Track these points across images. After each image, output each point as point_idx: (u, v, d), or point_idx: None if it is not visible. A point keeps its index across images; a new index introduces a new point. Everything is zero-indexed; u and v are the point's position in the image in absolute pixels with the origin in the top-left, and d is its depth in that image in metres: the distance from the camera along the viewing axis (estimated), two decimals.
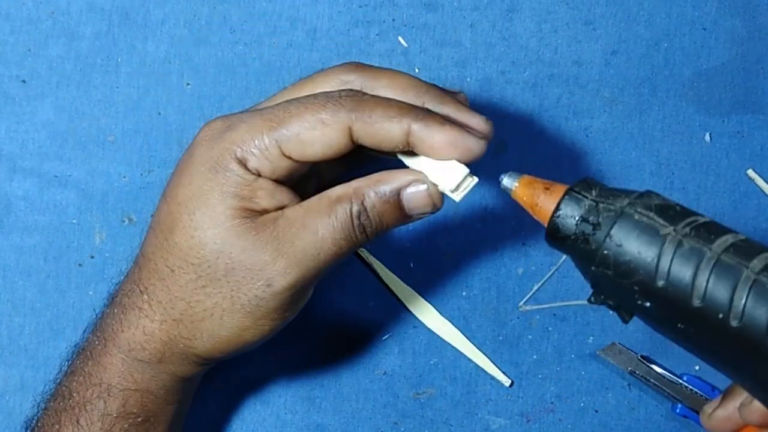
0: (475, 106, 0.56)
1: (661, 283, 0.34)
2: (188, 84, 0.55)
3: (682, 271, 0.34)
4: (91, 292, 0.54)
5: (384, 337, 0.56)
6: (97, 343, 0.45)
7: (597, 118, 0.57)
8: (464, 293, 0.56)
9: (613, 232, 0.35)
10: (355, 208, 0.41)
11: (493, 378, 0.56)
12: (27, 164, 0.54)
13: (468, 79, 0.56)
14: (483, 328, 0.56)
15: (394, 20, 0.56)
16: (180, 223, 0.42)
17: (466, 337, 0.56)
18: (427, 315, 0.55)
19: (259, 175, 0.41)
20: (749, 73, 0.58)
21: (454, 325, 0.56)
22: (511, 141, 0.56)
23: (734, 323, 0.33)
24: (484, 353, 0.56)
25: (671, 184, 0.57)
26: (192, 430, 0.51)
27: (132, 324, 0.44)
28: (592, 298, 0.37)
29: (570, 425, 0.57)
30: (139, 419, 0.45)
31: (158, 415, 0.46)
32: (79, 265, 0.54)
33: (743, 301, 0.32)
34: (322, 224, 0.41)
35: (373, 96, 0.41)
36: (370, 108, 0.40)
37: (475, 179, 0.42)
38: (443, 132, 0.41)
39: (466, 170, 0.41)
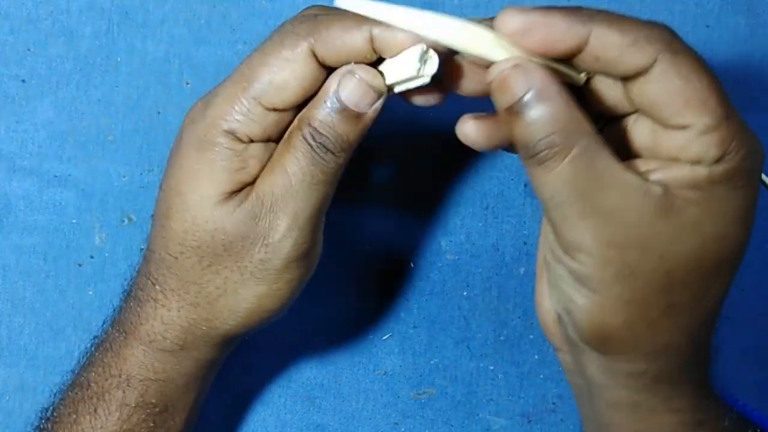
0: (476, 105, 0.56)
1: None
2: (188, 83, 0.54)
3: None
4: (90, 292, 0.54)
5: (384, 337, 0.56)
6: (117, 335, 0.45)
7: None
8: (465, 293, 0.56)
9: None
10: (307, 132, 0.40)
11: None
12: (26, 164, 0.54)
13: None
14: (484, 328, 0.56)
15: None
16: (173, 208, 0.42)
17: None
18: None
19: (251, 141, 0.41)
20: (753, 71, 0.57)
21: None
22: None
23: None
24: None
25: None
26: (192, 430, 0.51)
27: (150, 315, 0.43)
28: None
29: (571, 425, 0.56)
30: (157, 409, 0.45)
31: (177, 404, 0.46)
32: (79, 265, 0.54)
33: None
34: (286, 162, 0.40)
35: (328, 13, 0.40)
36: (326, 26, 0.39)
37: (434, 55, 0.38)
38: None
39: (422, 47, 0.38)
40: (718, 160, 0.36)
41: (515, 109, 0.37)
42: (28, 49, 0.54)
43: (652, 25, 0.37)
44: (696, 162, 0.37)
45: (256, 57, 0.40)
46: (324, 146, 0.40)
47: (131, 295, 0.45)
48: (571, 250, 0.38)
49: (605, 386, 0.43)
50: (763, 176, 0.57)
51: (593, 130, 0.37)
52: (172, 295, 0.43)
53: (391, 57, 0.39)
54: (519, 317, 0.56)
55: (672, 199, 0.37)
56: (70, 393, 0.46)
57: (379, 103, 0.40)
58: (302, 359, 0.56)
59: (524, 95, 0.36)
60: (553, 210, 0.38)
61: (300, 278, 0.43)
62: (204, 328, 0.43)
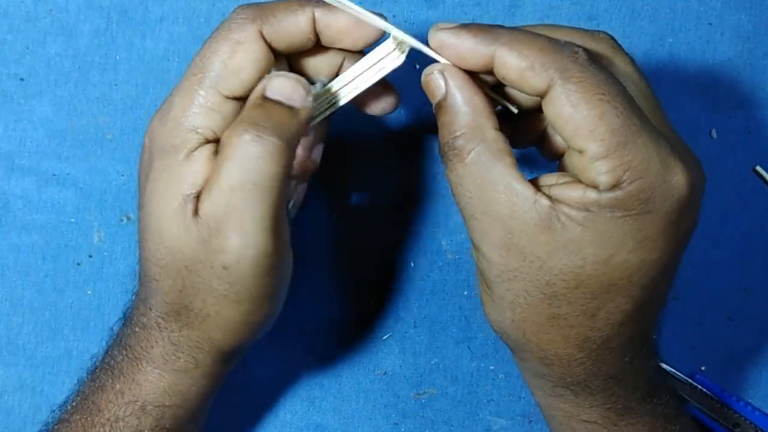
0: None
1: None
2: None
3: None
4: (89, 291, 0.54)
5: (384, 337, 0.56)
6: (127, 362, 0.44)
7: None
8: (465, 293, 0.56)
9: None
10: (248, 137, 0.37)
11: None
12: (25, 163, 0.53)
13: None
14: (484, 327, 0.56)
15: (394, 16, 0.55)
16: (148, 230, 0.40)
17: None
18: None
19: (216, 139, 0.40)
20: (755, 68, 0.57)
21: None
22: None
23: None
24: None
25: None
26: None
27: (158, 339, 0.43)
28: None
29: None
30: None
31: (188, 426, 0.46)
32: (78, 264, 0.54)
33: None
34: (221, 178, 0.38)
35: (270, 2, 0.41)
36: (271, 9, 0.40)
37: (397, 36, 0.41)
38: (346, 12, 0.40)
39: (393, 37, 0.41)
40: (611, 188, 0.37)
41: (435, 110, 0.40)
42: (27, 48, 0.53)
43: (555, 48, 0.38)
44: (592, 186, 0.38)
45: (205, 48, 0.40)
46: (269, 142, 0.38)
47: (134, 321, 0.44)
48: (472, 244, 0.40)
49: (529, 385, 0.45)
50: (762, 172, 0.57)
51: (496, 138, 0.39)
52: (168, 317, 0.42)
53: (332, 41, 0.41)
54: None
55: (558, 214, 0.38)
56: (77, 416, 0.44)
57: (309, 99, 0.40)
58: (302, 359, 0.56)
59: (439, 98, 0.40)
60: (457, 205, 0.40)
61: (280, 275, 0.41)
62: (207, 348, 0.43)
